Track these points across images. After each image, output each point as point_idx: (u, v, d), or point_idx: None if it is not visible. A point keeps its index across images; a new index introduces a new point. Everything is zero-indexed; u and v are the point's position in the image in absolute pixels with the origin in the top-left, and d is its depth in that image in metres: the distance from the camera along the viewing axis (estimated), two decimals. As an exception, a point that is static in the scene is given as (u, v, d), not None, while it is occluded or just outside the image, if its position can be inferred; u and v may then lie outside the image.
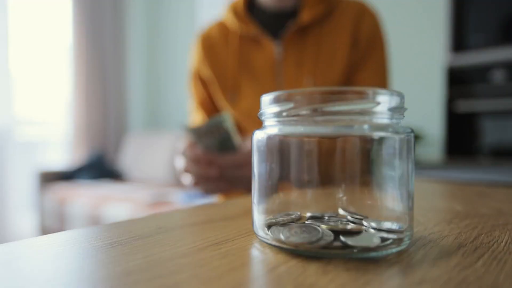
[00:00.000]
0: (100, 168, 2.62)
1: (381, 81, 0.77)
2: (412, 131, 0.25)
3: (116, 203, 1.95)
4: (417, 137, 1.76)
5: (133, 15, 3.18)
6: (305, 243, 0.22)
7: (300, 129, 0.24)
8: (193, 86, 0.87)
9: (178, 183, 2.44)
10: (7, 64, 2.48)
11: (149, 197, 1.95)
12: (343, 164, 0.23)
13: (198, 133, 0.62)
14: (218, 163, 0.62)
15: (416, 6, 1.91)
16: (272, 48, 0.76)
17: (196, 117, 0.88)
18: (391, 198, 0.24)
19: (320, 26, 0.76)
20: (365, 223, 0.24)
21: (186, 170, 0.66)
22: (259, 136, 0.26)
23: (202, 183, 0.65)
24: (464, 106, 1.54)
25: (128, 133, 3.07)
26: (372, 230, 0.23)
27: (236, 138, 0.64)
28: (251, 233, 0.28)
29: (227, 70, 0.80)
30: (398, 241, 0.23)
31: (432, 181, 0.64)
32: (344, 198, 0.25)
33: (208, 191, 0.67)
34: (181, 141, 0.68)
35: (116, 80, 3.05)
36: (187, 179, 0.67)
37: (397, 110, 0.24)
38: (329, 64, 0.75)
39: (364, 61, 0.76)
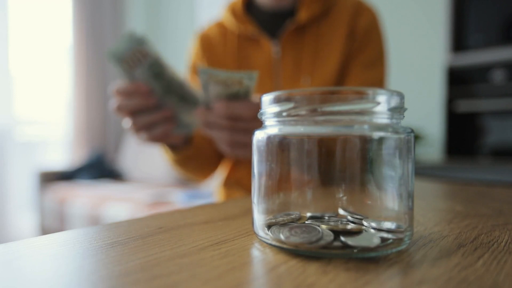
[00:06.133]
0: (100, 168, 2.62)
1: (374, 75, 0.76)
2: (412, 131, 0.25)
3: (116, 203, 1.95)
4: (417, 137, 1.76)
5: (133, 15, 3.17)
6: (305, 243, 0.22)
7: (300, 129, 0.24)
8: (191, 80, 0.87)
9: (178, 183, 2.44)
10: (7, 64, 2.48)
11: (149, 197, 1.95)
12: (343, 164, 0.23)
13: (215, 78, 0.49)
14: (235, 112, 0.51)
15: (416, 6, 1.91)
16: (270, 48, 0.76)
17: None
18: (391, 198, 0.24)
19: (317, 25, 0.76)
20: (365, 223, 0.24)
21: (119, 108, 0.54)
22: (259, 136, 0.26)
23: (143, 124, 0.53)
24: (464, 106, 1.54)
25: (128, 133, 3.07)
26: (372, 230, 0.23)
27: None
28: (251, 233, 0.28)
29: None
30: (398, 241, 0.23)
31: (432, 181, 0.64)
32: (344, 198, 0.25)
33: (153, 135, 0.56)
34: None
35: (116, 80, 3.05)
36: (126, 121, 0.56)
37: (397, 110, 0.24)
38: (326, 63, 0.75)
39: (357, 54, 0.76)
